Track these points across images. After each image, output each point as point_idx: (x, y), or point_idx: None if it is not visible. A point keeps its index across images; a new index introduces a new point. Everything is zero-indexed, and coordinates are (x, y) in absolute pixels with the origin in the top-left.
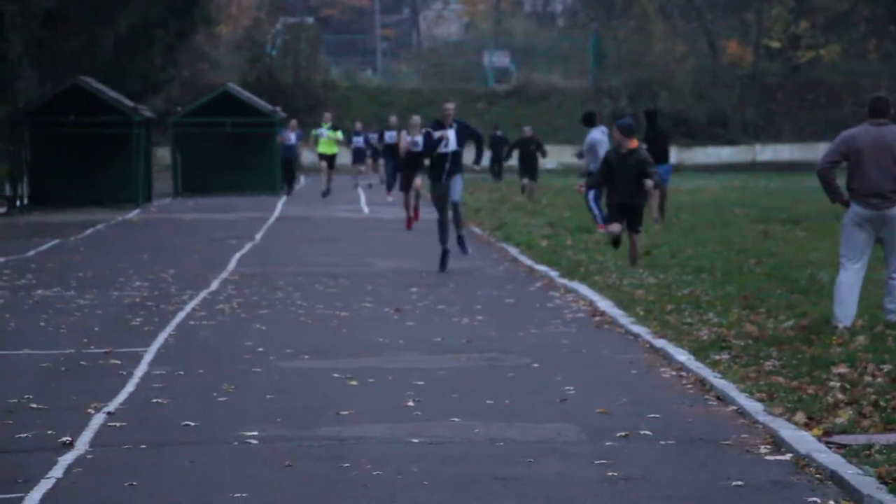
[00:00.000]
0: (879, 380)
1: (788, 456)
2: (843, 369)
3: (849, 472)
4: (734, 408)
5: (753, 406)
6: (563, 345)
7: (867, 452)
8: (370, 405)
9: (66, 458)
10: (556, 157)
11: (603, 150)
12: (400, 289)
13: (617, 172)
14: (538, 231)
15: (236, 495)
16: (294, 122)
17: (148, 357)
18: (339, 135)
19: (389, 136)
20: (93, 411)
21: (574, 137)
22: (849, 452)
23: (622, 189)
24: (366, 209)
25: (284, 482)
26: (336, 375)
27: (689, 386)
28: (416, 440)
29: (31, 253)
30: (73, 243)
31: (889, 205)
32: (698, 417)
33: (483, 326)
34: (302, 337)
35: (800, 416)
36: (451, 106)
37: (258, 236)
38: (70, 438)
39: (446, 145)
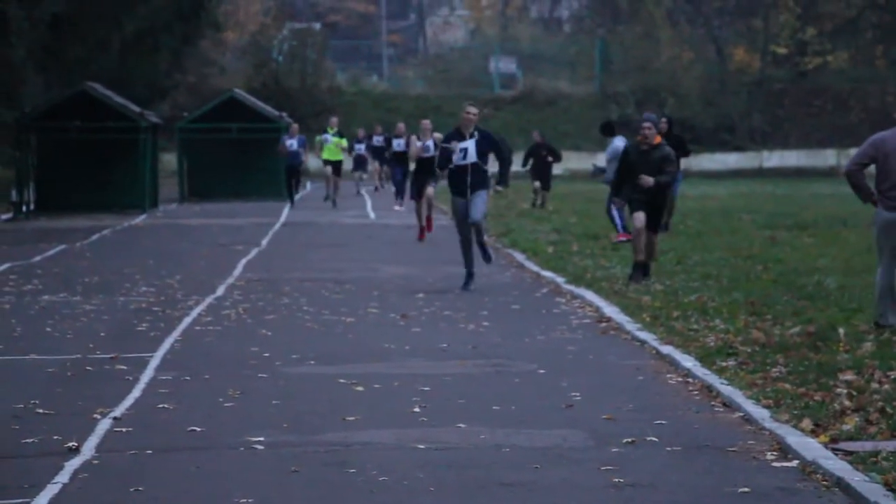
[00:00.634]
0: (886, 386)
1: (795, 462)
2: (849, 376)
3: (855, 478)
4: (741, 414)
5: (760, 412)
6: (570, 351)
7: (874, 459)
8: (376, 411)
9: (73, 464)
10: (561, 163)
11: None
12: (406, 295)
13: (638, 169)
14: (544, 237)
15: (242, 501)
16: (295, 126)
17: (154, 362)
18: (344, 142)
19: (397, 143)
20: (99, 416)
21: (580, 143)
22: (855, 459)
23: (642, 186)
24: (372, 215)
25: (290, 488)
26: (342, 381)
27: (696, 392)
28: (422, 446)
29: (38, 258)
30: (80, 249)
31: None
32: (705, 424)
33: (489, 332)
34: (308, 342)
35: (806, 423)
36: (473, 111)
37: (264, 242)
38: (76, 444)
39: (464, 156)
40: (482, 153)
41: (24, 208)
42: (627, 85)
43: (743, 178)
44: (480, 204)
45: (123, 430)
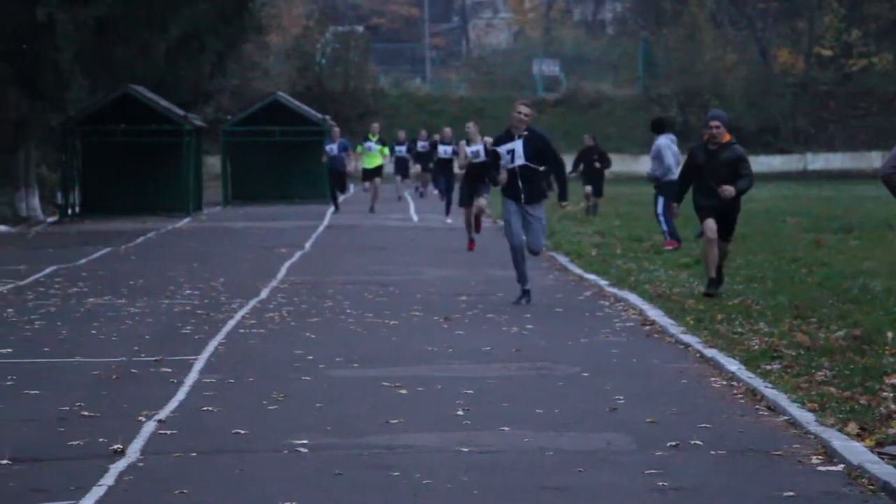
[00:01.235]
0: None
1: (840, 467)
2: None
3: None
4: (785, 418)
5: (805, 416)
6: (613, 354)
7: None
8: (419, 414)
9: (118, 466)
10: None
11: (668, 155)
12: (449, 297)
13: (707, 171)
14: (588, 240)
15: (286, 503)
16: (336, 131)
17: (198, 365)
18: (387, 150)
19: (444, 150)
20: (144, 419)
21: (624, 146)
22: None
23: (712, 190)
24: (415, 217)
25: (334, 490)
26: (385, 384)
27: (740, 396)
28: (465, 449)
29: (83, 261)
30: (124, 252)
31: None
32: (749, 428)
33: (532, 335)
34: (351, 345)
35: (852, 427)
36: (525, 111)
37: (308, 245)
38: (121, 446)
39: (512, 158)
40: (532, 155)
41: (69, 211)
42: (671, 87)
43: (787, 181)
44: (540, 230)
45: (168, 432)
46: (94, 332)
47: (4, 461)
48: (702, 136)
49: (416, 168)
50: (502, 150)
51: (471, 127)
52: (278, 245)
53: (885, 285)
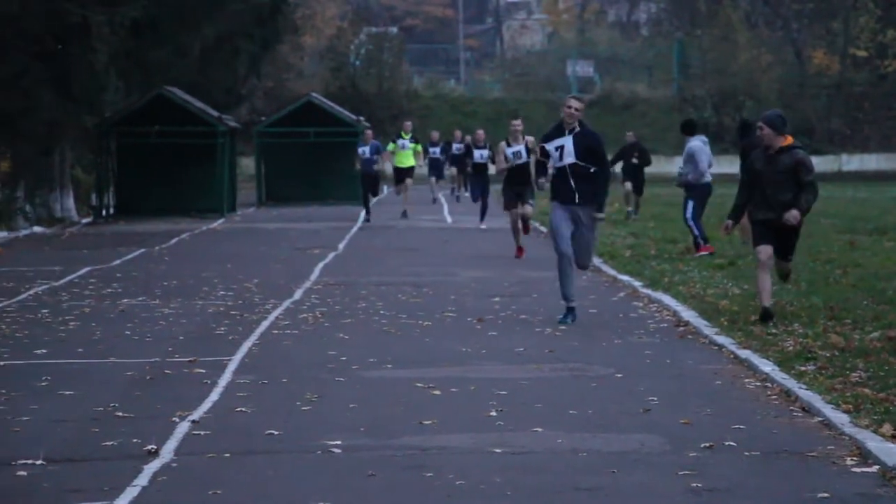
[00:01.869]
0: None
1: (875, 468)
2: None
3: None
4: (820, 419)
5: (839, 417)
6: (647, 355)
7: None
8: (453, 415)
9: (152, 467)
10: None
11: (702, 158)
12: (482, 298)
13: (765, 179)
14: (621, 241)
15: None
16: (368, 133)
17: (232, 366)
18: (419, 147)
19: (479, 154)
20: (177, 420)
21: (659, 147)
22: None
23: (771, 200)
24: (449, 219)
25: (367, 491)
26: (419, 385)
27: (774, 397)
28: (498, 450)
29: (117, 262)
30: (158, 252)
31: None
32: (783, 429)
33: (566, 336)
34: (385, 346)
35: (887, 428)
36: (576, 104)
37: (341, 246)
38: (155, 447)
39: (560, 156)
40: (583, 153)
41: (103, 212)
42: (705, 88)
43: (822, 182)
44: (590, 240)
45: (202, 433)
46: (128, 332)
47: (39, 461)
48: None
49: (451, 170)
50: (550, 146)
51: (515, 125)
52: (312, 246)
53: None
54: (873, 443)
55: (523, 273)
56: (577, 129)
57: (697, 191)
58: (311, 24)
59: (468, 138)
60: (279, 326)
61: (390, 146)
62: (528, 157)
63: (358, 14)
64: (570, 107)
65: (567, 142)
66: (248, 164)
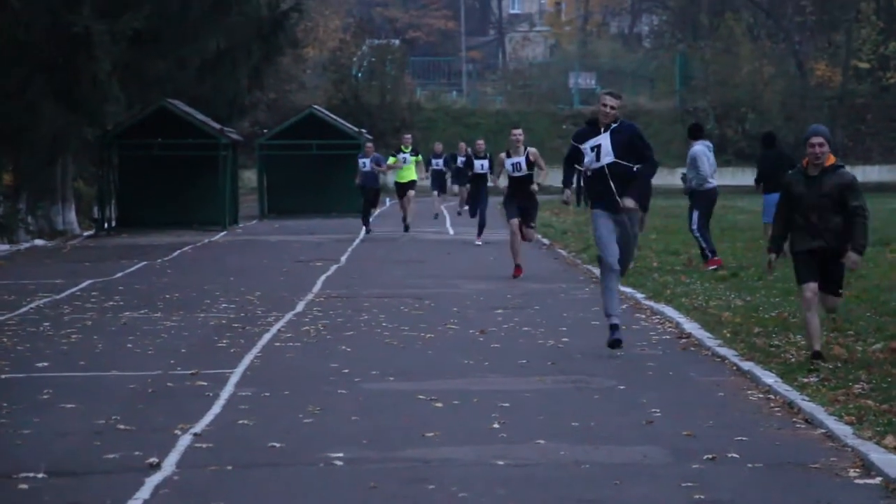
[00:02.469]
0: None
1: (878, 480)
2: None
3: None
4: (822, 431)
5: (842, 429)
6: (649, 367)
7: None
8: (455, 427)
9: (153, 480)
10: None
11: (704, 162)
12: (485, 310)
13: (807, 204)
14: None
15: None
16: (370, 146)
17: (234, 378)
18: (420, 158)
19: (479, 164)
20: (179, 432)
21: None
22: None
23: (816, 227)
24: (451, 230)
25: None
26: (421, 397)
27: (777, 409)
28: (501, 462)
29: (119, 275)
30: (160, 265)
31: None
32: (786, 440)
33: (568, 348)
34: (387, 358)
35: (890, 440)
36: (611, 101)
37: (343, 258)
38: (157, 459)
39: (597, 156)
40: (622, 149)
41: (105, 225)
42: (707, 100)
43: None
44: (632, 243)
45: (204, 446)
46: (130, 345)
47: (41, 474)
48: (797, 160)
49: (453, 188)
50: (585, 147)
51: (517, 134)
52: (314, 258)
53: None
54: (876, 454)
55: (526, 285)
56: (615, 125)
57: (701, 198)
58: (314, 37)
59: (468, 149)
60: (281, 339)
61: (391, 160)
62: (527, 168)
63: (360, 26)
64: (605, 104)
65: (604, 140)
66: (250, 176)
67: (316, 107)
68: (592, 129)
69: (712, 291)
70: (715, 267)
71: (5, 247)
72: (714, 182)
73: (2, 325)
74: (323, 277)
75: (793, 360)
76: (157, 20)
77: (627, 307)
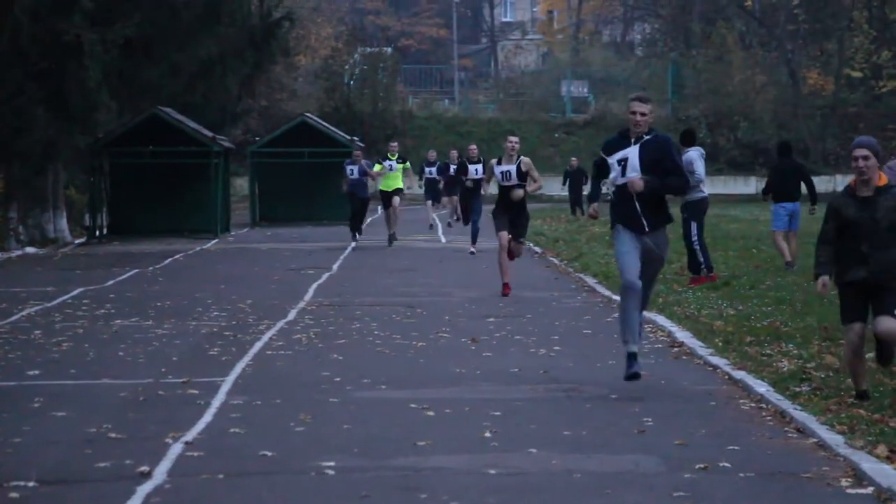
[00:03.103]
0: None
1: (870, 489)
2: None
3: None
4: (814, 440)
5: (834, 438)
6: (642, 376)
7: None
8: (447, 436)
9: (145, 488)
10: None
11: (701, 167)
12: (477, 319)
13: (862, 230)
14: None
15: None
16: (359, 153)
17: (225, 387)
18: (408, 165)
19: (474, 169)
20: (171, 441)
21: None
22: None
23: (870, 257)
24: (443, 239)
25: None
26: (413, 406)
27: (769, 418)
28: (493, 471)
29: (110, 283)
30: (152, 273)
31: None
32: (778, 450)
33: (560, 357)
34: (379, 367)
35: (881, 449)
36: (642, 107)
37: (335, 266)
38: (148, 468)
39: (623, 171)
40: (648, 165)
41: (97, 233)
42: (700, 108)
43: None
44: (658, 271)
45: (195, 454)
46: (121, 353)
47: (31, 483)
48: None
49: (444, 200)
50: (613, 159)
51: (513, 142)
52: (306, 266)
53: None
54: (868, 464)
55: (517, 294)
56: (647, 136)
57: (694, 209)
58: (306, 44)
59: (459, 157)
60: (273, 347)
61: (377, 167)
62: (517, 178)
63: (352, 34)
64: (634, 112)
65: (632, 153)
66: (241, 184)
67: (308, 114)
68: (622, 139)
69: (704, 300)
70: (708, 283)
71: None
72: (706, 191)
73: None
74: (315, 285)
75: (785, 369)
76: (149, 28)
77: (619, 316)
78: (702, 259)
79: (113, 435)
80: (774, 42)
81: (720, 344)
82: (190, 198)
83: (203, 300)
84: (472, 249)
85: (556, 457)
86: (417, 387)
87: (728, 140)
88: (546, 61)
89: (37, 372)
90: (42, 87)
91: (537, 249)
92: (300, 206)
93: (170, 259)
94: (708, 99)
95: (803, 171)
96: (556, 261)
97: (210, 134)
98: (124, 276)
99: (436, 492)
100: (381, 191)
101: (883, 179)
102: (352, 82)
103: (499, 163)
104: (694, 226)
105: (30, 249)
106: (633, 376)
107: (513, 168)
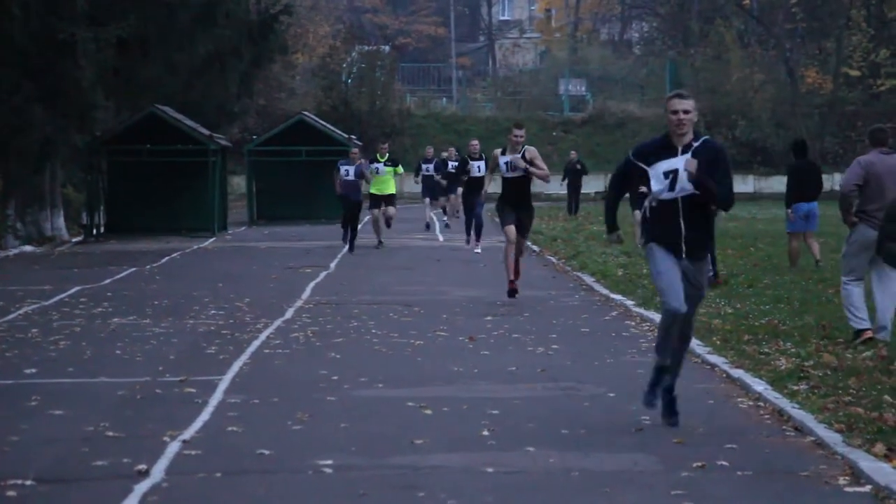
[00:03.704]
0: None
1: (868, 488)
2: None
3: None
4: (812, 439)
5: (832, 437)
6: (639, 374)
7: None
8: (445, 434)
9: (142, 487)
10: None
11: None
12: (474, 317)
13: None
14: (614, 260)
15: None
16: (354, 151)
17: (223, 385)
18: (400, 169)
19: (476, 166)
20: (168, 439)
21: None
22: None
23: None
24: (441, 237)
25: None
26: (410, 404)
27: (767, 416)
28: (490, 470)
29: (108, 281)
30: (149, 272)
31: None
32: (776, 448)
33: (558, 355)
34: (376, 365)
35: (879, 448)
36: (683, 104)
37: (332, 264)
38: (145, 467)
39: (671, 185)
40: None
41: (94, 231)
42: (698, 107)
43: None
44: (697, 300)
45: (192, 452)
46: (118, 352)
47: (29, 482)
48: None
49: (442, 199)
50: (657, 170)
51: (519, 135)
52: (303, 265)
53: None
54: (866, 462)
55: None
56: (697, 144)
57: None
58: (303, 43)
59: (457, 154)
60: (270, 346)
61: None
62: (524, 171)
63: (350, 32)
64: (675, 111)
65: (679, 164)
66: (239, 182)
67: (305, 113)
68: (664, 146)
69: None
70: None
71: None
72: None
73: None
74: (312, 284)
75: (783, 367)
76: (145, 26)
77: (617, 314)
78: (710, 265)
79: (110, 433)
80: (773, 41)
81: (718, 342)
82: (187, 196)
83: (200, 299)
84: (478, 249)
85: (554, 455)
86: (415, 385)
87: (726, 139)
88: (544, 60)
89: (34, 370)
90: (39, 86)
91: (535, 248)
92: (298, 204)
93: (167, 257)
94: (706, 97)
95: (819, 172)
96: (553, 259)
97: (207, 132)
98: (122, 275)
99: (433, 490)
100: (372, 194)
101: None
102: (349, 81)
103: (503, 153)
104: None
105: (27, 248)
106: (671, 418)
107: (517, 155)
